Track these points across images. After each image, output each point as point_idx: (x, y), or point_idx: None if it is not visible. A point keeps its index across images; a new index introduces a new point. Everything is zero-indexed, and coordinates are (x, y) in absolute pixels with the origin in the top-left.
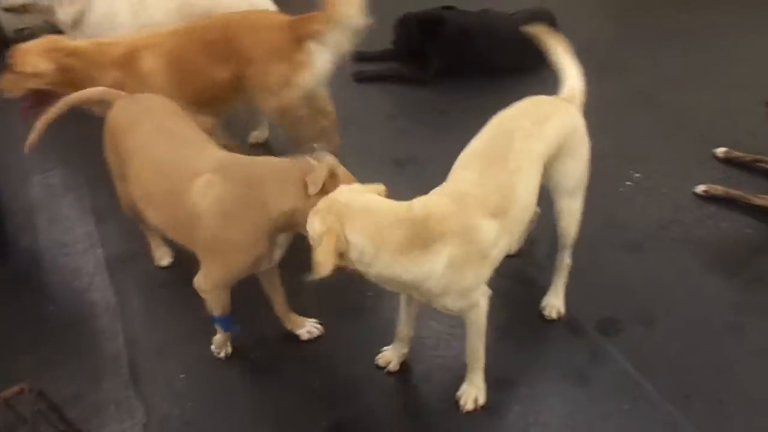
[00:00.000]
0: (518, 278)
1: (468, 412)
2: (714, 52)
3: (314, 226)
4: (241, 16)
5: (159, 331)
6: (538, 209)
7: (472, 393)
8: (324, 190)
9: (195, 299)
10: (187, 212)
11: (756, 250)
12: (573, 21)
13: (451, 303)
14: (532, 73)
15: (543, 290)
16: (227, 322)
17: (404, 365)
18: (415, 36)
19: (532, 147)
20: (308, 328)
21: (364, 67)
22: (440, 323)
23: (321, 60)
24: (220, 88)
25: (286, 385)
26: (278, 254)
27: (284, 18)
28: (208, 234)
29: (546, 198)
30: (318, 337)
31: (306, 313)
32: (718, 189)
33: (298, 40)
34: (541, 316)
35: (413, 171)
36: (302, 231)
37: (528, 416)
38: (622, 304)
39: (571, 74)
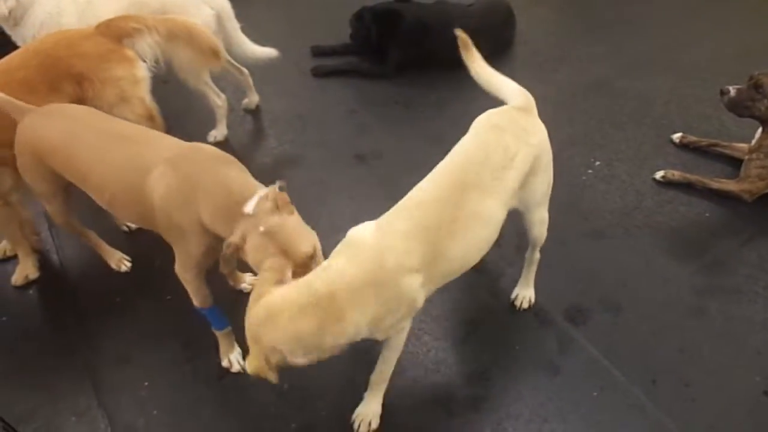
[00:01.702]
0: (485, 271)
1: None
2: (667, 39)
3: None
4: (53, 37)
5: (120, 339)
6: None
7: (368, 416)
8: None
9: (154, 305)
10: (147, 203)
11: (714, 233)
12: (529, 11)
13: (383, 335)
14: (489, 62)
15: (511, 283)
16: (214, 315)
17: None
18: (373, 30)
19: (489, 203)
20: (249, 281)
21: (323, 62)
22: None
23: (143, 54)
24: None
25: (254, 388)
26: None
27: (92, 28)
28: (164, 220)
29: None
30: None
31: None
32: (676, 174)
33: (117, 39)
34: (510, 308)
35: (376, 165)
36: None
37: (500, 409)
38: (588, 292)
39: (509, 85)
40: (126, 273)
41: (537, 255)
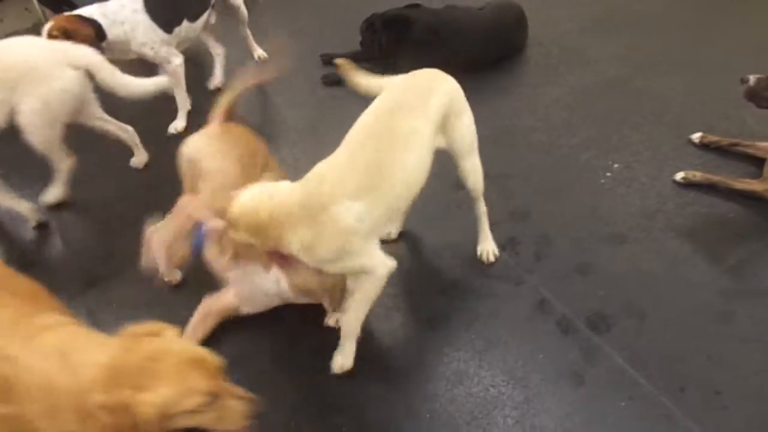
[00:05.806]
0: (505, 278)
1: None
2: (684, 36)
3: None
4: None
5: None
6: None
7: (339, 360)
8: None
9: None
10: None
11: (739, 235)
12: (540, 13)
13: (342, 268)
14: (499, 65)
15: (531, 290)
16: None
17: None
18: (383, 37)
19: (417, 123)
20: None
21: (333, 70)
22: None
23: None
24: None
25: None
26: None
27: None
28: None
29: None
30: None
31: None
32: (697, 175)
33: None
34: (532, 317)
35: None
36: None
37: (524, 421)
38: (611, 299)
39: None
40: None
41: (483, 207)
